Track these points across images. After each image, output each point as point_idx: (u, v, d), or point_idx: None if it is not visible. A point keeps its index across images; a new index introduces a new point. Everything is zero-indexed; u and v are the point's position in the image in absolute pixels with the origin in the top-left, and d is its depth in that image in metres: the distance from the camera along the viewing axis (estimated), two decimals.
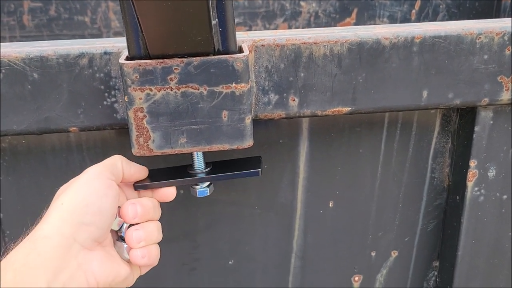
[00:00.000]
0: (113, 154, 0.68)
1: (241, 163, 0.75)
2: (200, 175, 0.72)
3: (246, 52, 0.64)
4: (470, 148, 0.81)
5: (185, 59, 0.61)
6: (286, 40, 0.69)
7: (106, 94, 0.69)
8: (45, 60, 0.67)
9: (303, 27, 1.76)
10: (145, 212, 0.67)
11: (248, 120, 0.66)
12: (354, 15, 1.75)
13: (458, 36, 0.71)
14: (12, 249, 0.57)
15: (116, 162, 0.66)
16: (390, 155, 0.86)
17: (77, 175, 0.64)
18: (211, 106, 0.64)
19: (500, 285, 0.92)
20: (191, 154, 0.72)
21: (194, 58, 0.61)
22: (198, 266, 0.91)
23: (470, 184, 0.83)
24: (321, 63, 0.70)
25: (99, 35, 1.72)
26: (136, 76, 0.62)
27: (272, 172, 0.85)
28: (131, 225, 0.67)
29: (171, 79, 0.62)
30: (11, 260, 0.55)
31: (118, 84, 0.69)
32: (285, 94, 0.71)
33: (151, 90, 0.63)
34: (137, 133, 0.65)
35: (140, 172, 0.70)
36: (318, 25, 1.75)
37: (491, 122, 0.79)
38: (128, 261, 0.66)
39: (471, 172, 0.82)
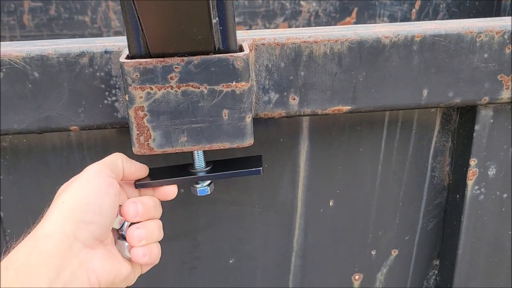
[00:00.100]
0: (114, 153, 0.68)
1: (242, 162, 0.75)
2: (200, 174, 0.72)
3: (246, 51, 0.64)
4: (470, 147, 0.81)
5: (185, 58, 0.61)
6: (287, 39, 0.69)
7: (107, 93, 0.69)
8: (45, 59, 0.67)
9: (303, 27, 1.76)
10: (146, 211, 0.67)
11: (248, 119, 0.66)
12: (354, 14, 1.75)
13: (458, 34, 0.71)
14: (13, 248, 0.57)
15: (116, 160, 0.66)
16: (391, 154, 0.86)
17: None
18: (211, 105, 0.64)
19: (500, 284, 0.92)
20: (191, 153, 0.72)
21: (195, 57, 0.62)
22: (199, 264, 0.91)
23: (470, 182, 0.83)
24: (321, 62, 0.70)
25: (99, 35, 1.72)
26: (137, 75, 0.62)
27: (273, 171, 0.85)
28: (132, 223, 0.67)
29: (171, 78, 0.62)
30: (13, 259, 0.55)
31: (118, 83, 0.69)
32: (285, 93, 0.71)
33: (151, 89, 0.63)
34: (138, 132, 0.65)
35: (140, 170, 0.70)
36: (318, 25, 1.75)
37: (491, 120, 0.79)
38: (129, 260, 0.66)
39: (471, 171, 0.82)
